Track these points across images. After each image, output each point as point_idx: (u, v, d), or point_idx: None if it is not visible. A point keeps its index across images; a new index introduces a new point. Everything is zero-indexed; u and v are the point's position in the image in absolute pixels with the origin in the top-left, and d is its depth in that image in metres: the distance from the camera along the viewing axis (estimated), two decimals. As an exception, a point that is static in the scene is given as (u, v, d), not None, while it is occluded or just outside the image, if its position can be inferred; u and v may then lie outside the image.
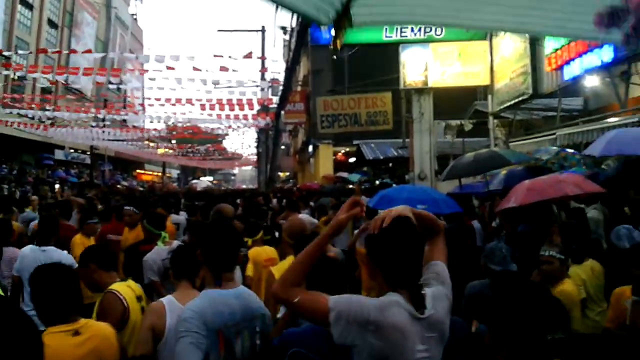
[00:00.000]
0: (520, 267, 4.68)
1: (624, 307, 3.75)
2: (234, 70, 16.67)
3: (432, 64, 13.62)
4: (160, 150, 43.64)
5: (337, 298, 1.95)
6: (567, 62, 10.35)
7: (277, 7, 2.16)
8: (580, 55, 9.78)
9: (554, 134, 10.61)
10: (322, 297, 1.97)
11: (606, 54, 8.85)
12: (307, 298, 1.98)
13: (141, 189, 35.40)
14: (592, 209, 6.82)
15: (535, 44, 11.67)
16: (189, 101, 19.20)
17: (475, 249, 6.34)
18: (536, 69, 11.71)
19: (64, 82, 19.00)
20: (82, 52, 22.44)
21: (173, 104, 19.62)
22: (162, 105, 19.95)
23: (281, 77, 26.39)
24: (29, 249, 5.13)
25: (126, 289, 3.31)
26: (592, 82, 11.22)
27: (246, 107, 19.36)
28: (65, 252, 5.22)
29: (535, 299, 1.89)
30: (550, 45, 11.02)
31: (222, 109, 19.49)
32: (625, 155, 6.27)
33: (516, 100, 12.65)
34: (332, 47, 2.01)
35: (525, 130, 14.00)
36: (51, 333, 2.45)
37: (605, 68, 9.75)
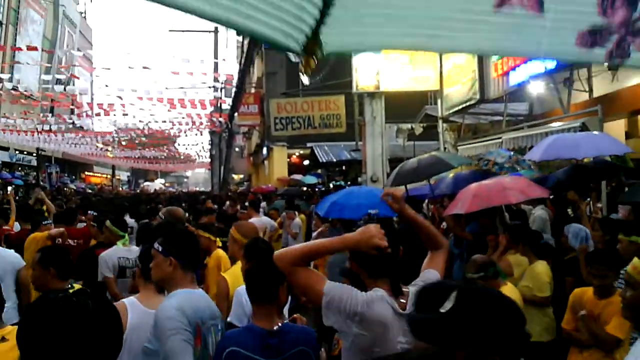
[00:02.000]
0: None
1: (588, 309, 3.80)
2: (188, 73, 16.47)
3: (384, 69, 13.81)
4: (110, 153, 42.53)
5: (332, 285, 2.13)
6: (513, 69, 10.69)
7: (244, 36, 2.12)
8: (525, 62, 10.13)
9: (500, 137, 10.95)
10: (322, 279, 2.16)
11: (549, 61, 9.19)
12: (308, 275, 2.17)
13: (90, 191, 34.44)
14: (539, 209, 7.11)
15: (482, 51, 11.99)
16: (139, 99, 18.79)
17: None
18: (483, 75, 12.05)
19: (8, 80, 18.27)
20: (28, 49, 21.70)
21: (122, 104, 19.19)
22: (112, 105, 19.48)
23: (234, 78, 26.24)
24: None
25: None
26: (536, 88, 11.64)
27: (199, 106, 19.14)
28: (12, 250, 5.07)
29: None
30: (497, 52, 11.36)
31: (173, 108, 19.20)
32: (576, 160, 6.57)
33: (464, 105, 12.98)
34: (301, 72, 2.00)
35: (473, 134, 14.39)
36: None
37: (549, 74, 10.13)
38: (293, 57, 2.18)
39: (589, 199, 7.54)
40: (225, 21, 1.70)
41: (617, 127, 10.39)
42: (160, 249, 2.75)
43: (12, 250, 5.08)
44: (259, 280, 2.57)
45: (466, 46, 2.38)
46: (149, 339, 2.54)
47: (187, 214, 8.75)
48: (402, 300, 2.15)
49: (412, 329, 1.52)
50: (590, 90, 11.19)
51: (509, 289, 4.06)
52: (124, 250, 4.89)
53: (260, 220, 8.49)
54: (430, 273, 2.34)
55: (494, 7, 1.77)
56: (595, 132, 7.23)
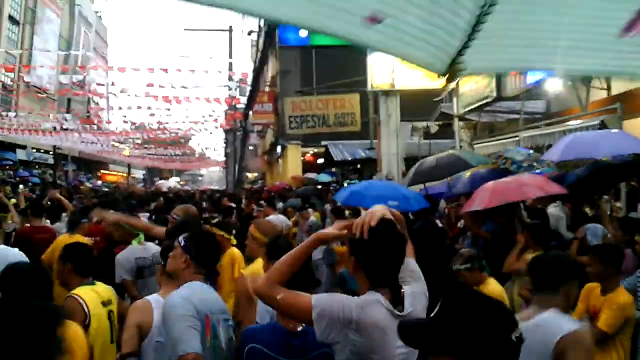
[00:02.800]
0: (491, 268, 4.79)
1: (590, 305, 3.88)
2: (204, 72, 16.55)
3: (399, 67, 13.75)
4: (126, 152, 42.88)
5: (319, 296, 2.03)
6: (530, 66, 10.60)
7: (399, 58, 2.34)
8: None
9: (517, 136, 10.85)
10: (306, 295, 2.04)
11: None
12: (290, 296, 2.04)
13: (106, 189, 34.76)
14: (552, 207, 7.03)
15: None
16: (154, 97, 18.93)
17: (449, 249, 6.47)
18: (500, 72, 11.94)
19: (26, 81, 18.51)
20: (43, 51, 21.96)
21: (139, 107, 19.37)
22: (129, 108, 19.70)
23: (249, 77, 26.32)
24: None
25: (90, 294, 3.26)
26: (554, 85, 11.50)
27: (214, 104, 19.25)
28: (17, 249, 5.03)
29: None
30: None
31: (188, 102, 19.31)
32: (596, 160, 6.48)
33: (480, 103, 12.88)
34: (441, 93, 2.20)
35: (489, 132, 14.28)
36: None
37: (566, 72, 10.03)
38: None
39: (607, 197, 7.44)
40: (386, 50, 1.99)
41: (637, 125, 10.22)
42: (182, 243, 2.83)
43: (17, 249, 5.03)
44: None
45: (592, 68, 2.53)
46: (160, 333, 2.55)
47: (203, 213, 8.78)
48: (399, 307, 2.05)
49: (400, 334, 1.49)
50: (609, 88, 11.05)
51: (492, 283, 4.21)
52: (141, 250, 4.85)
53: (277, 218, 8.51)
54: (410, 264, 2.23)
55: (616, 36, 1.88)
56: (614, 130, 7.12)
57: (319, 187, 18.05)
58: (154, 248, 4.83)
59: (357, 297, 2.03)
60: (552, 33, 1.97)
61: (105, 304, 3.36)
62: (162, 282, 3.17)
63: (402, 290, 2.09)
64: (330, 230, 2.16)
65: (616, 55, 2.06)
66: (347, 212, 7.90)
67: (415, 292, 2.13)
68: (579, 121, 9.21)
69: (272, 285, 2.06)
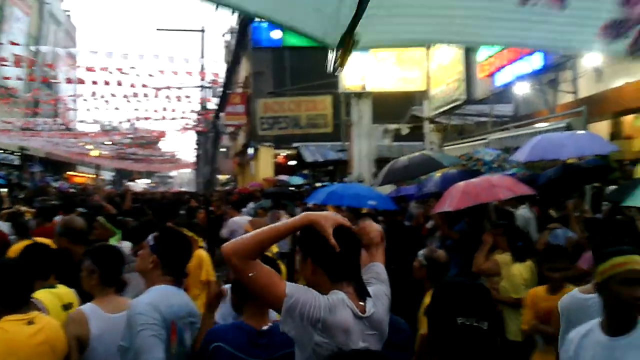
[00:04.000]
0: (461, 268, 4.81)
1: (539, 308, 3.88)
2: (173, 72, 16.36)
3: (371, 69, 13.83)
4: (94, 152, 42.10)
5: (295, 287, 1.93)
6: (499, 69, 10.75)
7: (285, 30, 2.27)
8: (511, 63, 10.19)
9: (486, 138, 11.00)
10: (281, 281, 1.94)
11: (536, 61, 9.25)
12: (265, 276, 1.92)
13: (73, 191, 34.06)
14: (522, 208, 7.12)
15: (470, 52, 12.07)
16: (125, 97, 18.61)
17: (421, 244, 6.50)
18: (469, 75, 12.10)
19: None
20: (11, 44, 21.39)
21: (107, 101, 18.99)
22: (97, 108, 19.35)
23: (222, 78, 26.11)
24: None
25: (50, 297, 3.15)
26: (522, 89, 11.70)
27: (185, 105, 19.06)
28: None
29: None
30: (483, 52, 11.42)
31: (155, 97, 19.06)
32: (565, 162, 6.60)
33: (450, 105, 13.03)
34: (334, 68, 2.09)
35: (458, 134, 14.45)
36: (7, 321, 2.52)
37: (534, 75, 10.19)
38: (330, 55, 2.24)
39: (573, 200, 7.56)
40: (268, 18, 1.85)
41: (601, 128, 10.47)
42: (151, 243, 2.77)
43: None
44: None
45: (496, 37, 2.44)
46: (123, 337, 2.50)
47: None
48: (360, 303, 2.00)
49: None
50: (575, 92, 11.29)
51: None
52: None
53: (241, 220, 8.44)
54: (376, 266, 2.22)
55: (517, 4, 1.84)
56: (580, 132, 7.25)
57: (292, 189, 17.99)
58: (129, 247, 4.73)
59: (325, 297, 1.96)
60: (447, 2, 1.95)
61: (66, 307, 3.25)
62: (96, 290, 3.01)
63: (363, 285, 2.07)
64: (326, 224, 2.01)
65: (522, 25, 2.01)
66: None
67: (378, 293, 2.10)
68: (546, 124, 9.38)
69: (244, 256, 1.91)
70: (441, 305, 1.49)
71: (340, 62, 2.07)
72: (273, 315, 2.60)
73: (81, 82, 17.34)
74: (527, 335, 4.13)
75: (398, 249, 5.06)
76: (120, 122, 24.25)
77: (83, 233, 4.44)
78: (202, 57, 26.86)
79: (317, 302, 1.91)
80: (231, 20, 24.88)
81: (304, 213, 2.12)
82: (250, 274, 1.90)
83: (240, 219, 8.33)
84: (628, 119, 10.81)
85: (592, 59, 9.40)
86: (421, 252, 4.01)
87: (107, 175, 62.33)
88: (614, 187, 7.21)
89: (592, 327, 2.33)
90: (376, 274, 2.20)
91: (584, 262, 4.77)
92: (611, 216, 6.03)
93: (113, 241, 4.82)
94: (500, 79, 10.81)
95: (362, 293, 2.02)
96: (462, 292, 1.63)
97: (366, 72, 13.79)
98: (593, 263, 4.57)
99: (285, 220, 2.13)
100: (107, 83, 16.93)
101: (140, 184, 42.43)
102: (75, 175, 52.52)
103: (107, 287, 3.00)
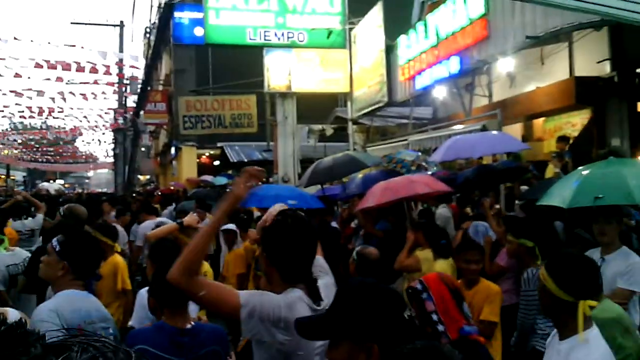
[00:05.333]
0: (385, 265, 4.89)
1: None
2: (91, 67, 15.63)
3: (296, 69, 13.87)
4: (4, 152, 39.60)
5: (248, 295, 1.98)
6: (419, 73, 11.08)
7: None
8: (430, 67, 10.53)
9: (407, 139, 11.33)
10: (232, 292, 1.98)
11: (453, 65, 9.61)
12: (215, 292, 1.97)
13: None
14: (441, 207, 7.41)
15: (390, 55, 12.37)
16: (37, 92, 17.59)
17: (343, 249, 6.62)
18: (391, 78, 12.41)
19: None
20: None
21: (18, 93, 17.84)
22: (7, 106, 18.17)
23: (141, 75, 25.32)
24: None
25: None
26: (440, 92, 12.14)
27: (102, 102, 18.33)
28: None
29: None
30: (404, 56, 11.74)
31: (74, 106, 18.23)
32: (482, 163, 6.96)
33: (373, 107, 13.30)
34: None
35: (381, 136, 14.79)
36: None
37: (452, 79, 10.59)
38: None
39: (488, 198, 7.94)
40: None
41: (514, 131, 11.06)
42: (57, 249, 2.63)
43: None
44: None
45: None
46: None
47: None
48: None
49: (298, 329, 1.61)
50: (490, 95, 11.86)
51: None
52: (9, 257, 4.40)
53: (154, 223, 8.08)
54: (318, 260, 2.30)
55: None
56: (493, 132, 7.61)
57: (216, 189, 17.70)
58: (24, 253, 4.46)
59: (281, 296, 2.02)
60: None
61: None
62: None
63: (317, 285, 2.13)
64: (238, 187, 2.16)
65: None
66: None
67: (328, 284, 2.20)
68: (462, 126, 9.78)
69: (189, 276, 1.92)
70: (386, 306, 1.54)
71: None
72: (193, 314, 2.58)
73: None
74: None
75: (327, 249, 5.11)
76: (32, 117, 22.80)
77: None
78: (121, 51, 25.94)
79: (274, 303, 1.96)
80: (152, 15, 24.16)
81: (229, 195, 2.21)
82: (201, 294, 1.93)
83: (152, 223, 7.93)
84: (539, 122, 11.51)
85: (506, 64, 9.89)
86: (357, 248, 4.14)
87: (18, 175, 58.77)
88: (526, 187, 7.66)
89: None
90: (321, 267, 2.29)
91: (501, 258, 5.02)
92: (528, 213, 6.36)
93: (1, 249, 4.51)
94: (420, 82, 11.14)
95: (315, 295, 2.07)
96: (392, 290, 1.67)
97: (291, 72, 13.82)
98: (509, 260, 4.86)
99: (207, 220, 2.17)
100: (18, 75, 15.95)
101: (55, 185, 40.28)
102: (-19, 176, 49.13)
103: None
